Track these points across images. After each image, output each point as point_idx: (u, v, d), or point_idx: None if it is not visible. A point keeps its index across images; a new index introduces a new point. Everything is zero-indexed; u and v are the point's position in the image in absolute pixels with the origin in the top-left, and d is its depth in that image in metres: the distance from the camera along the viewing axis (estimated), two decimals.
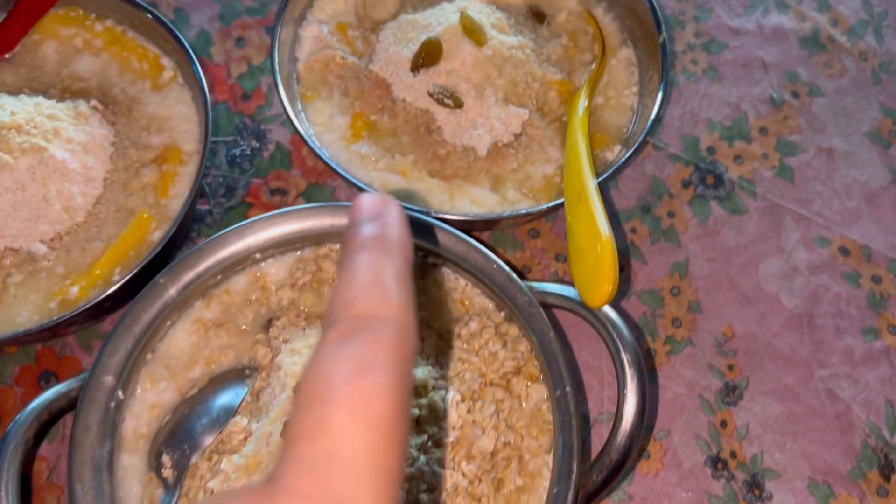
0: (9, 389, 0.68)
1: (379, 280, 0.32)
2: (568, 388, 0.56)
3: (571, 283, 0.60)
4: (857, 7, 0.86)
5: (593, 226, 0.58)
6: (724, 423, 0.68)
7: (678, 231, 0.75)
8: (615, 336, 0.56)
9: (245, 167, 0.77)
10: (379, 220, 0.35)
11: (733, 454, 0.67)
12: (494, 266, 0.60)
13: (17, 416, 0.54)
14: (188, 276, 0.60)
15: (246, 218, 0.74)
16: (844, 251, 0.75)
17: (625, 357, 0.56)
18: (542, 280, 0.72)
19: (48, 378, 0.68)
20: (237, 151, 0.78)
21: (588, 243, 0.58)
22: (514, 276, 0.60)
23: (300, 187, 0.77)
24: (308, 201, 0.76)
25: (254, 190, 0.76)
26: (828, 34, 0.85)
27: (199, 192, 0.67)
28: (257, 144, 0.78)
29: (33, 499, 0.65)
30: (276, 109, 0.80)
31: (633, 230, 0.75)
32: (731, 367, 0.70)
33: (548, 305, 0.60)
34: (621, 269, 0.73)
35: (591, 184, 0.61)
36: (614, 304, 0.59)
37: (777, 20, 0.85)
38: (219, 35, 0.83)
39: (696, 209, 0.76)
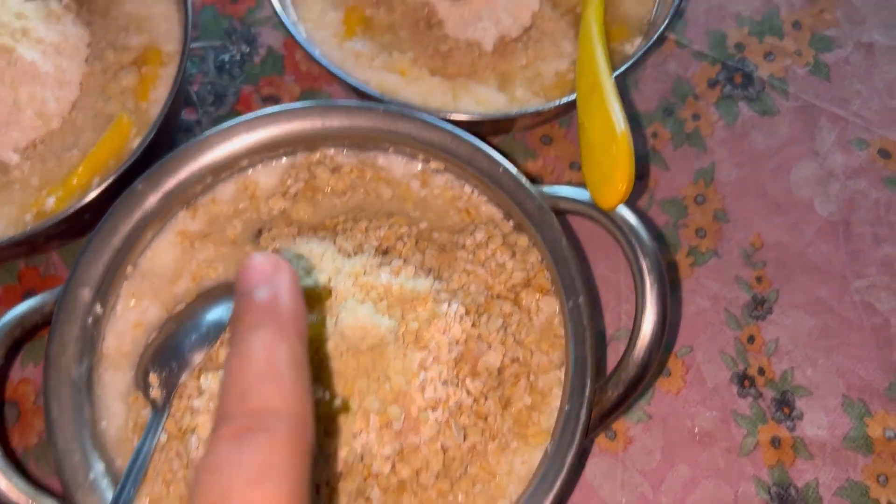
0: None
1: (273, 367, 0.30)
2: (581, 299, 0.52)
3: (585, 187, 0.55)
4: None
5: (607, 120, 0.52)
6: (751, 339, 0.63)
7: (703, 135, 0.69)
8: (632, 240, 0.51)
9: (235, 73, 0.72)
10: (270, 288, 0.33)
11: (761, 371, 0.62)
12: (501, 169, 0.55)
13: None
14: (169, 182, 0.56)
15: None
16: (884, 153, 0.69)
17: (643, 263, 0.51)
18: None
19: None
20: (226, 57, 0.72)
21: (601, 139, 0.52)
22: (524, 179, 0.55)
23: (294, 93, 0.71)
24: None
25: (244, 97, 0.71)
26: None
27: (182, 96, 0.63)
28: (247, 49, 0.73)
29: (20, 423, 0.61)
30: (266, 11, 0.74)
31: (655, 134, 0.69)
32: (759, 279, 0.65)
33: (560, 211, 0.55)
34: (640, 177, 0.68)
35: (606, 74, 0.55)
36: (631, 207, 0.53)
37: None
38: None
39: (723, 111, 0.70)
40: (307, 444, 0.30)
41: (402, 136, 0.57)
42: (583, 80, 0.57)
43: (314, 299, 0.51)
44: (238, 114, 0.70)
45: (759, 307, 0.64)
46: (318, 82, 0.72)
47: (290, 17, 0.64)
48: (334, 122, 0.58)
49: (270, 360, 0.31)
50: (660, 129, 0.70)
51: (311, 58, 0.61)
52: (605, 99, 0.53)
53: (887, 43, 0.72)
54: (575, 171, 0.68)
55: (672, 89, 0.71)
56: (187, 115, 0.70)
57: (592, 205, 0.53)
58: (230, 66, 0.72)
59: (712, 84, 0.71)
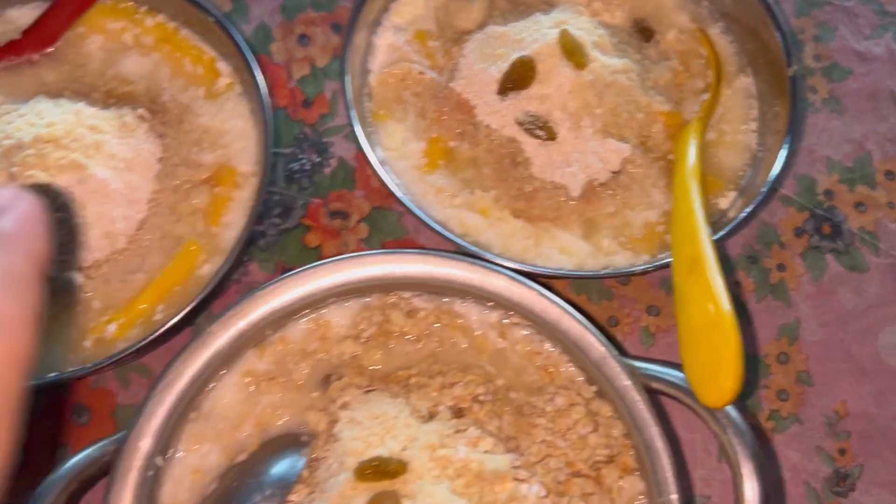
0: (37, 421, 0.61)
1: None
2: (674, 496, 0.48)
3: (676, 364, 0.52)
4: None
5: (713, 304, 0.49)
6: None
7: (788, 287, 0.66)
8: (735, 443, 0.48)
9: (304, 184, 0.69)
10: (6, 214, 0.35)
11: None
12: (591, 338, 0.52)
13: (39, 488, 0.48)
14: (241, 324, 0.53)
15: (303, 243, 0.67)
16: None
17: (745, 472, 0.47)
18: (630, 335, 0.64)
19: (80, 412, 0.62)
20: (296, 166, 0.70)
21: (704, 325, 0.49)
22: (615, 353, 0.52)
23: (363, 210, 0.69)
24: (371, 226, 0.68)
25: (312, 211, 0.68)
26: None
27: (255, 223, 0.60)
28: (318, 159, 0.70)
29: None
30: (340, 120, 0.71)
31: (737, 283, 0.66)
32: (842, 452, 0.62)
33: (652, 391, 0.52)
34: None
35: (709, 251, 0.52)
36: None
37: None
38: (280, 31, 0.75)
39: (809, 263, 0.67)
40: (15, 347, 0.32)
41: (487, 292, 0.54)
42: (680, 250, 0.54)
43: (387, 473, 0.48)
44: (305, 228, 0.68)
45: (842, 482, 0.61)
46: (388, 201, 0.69)
47: (369, 143, 0.61)
48: (415, 268, 0.55)
49: None
50: (743, 277, 0.67)
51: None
52: (710, 281, 0.50)
53: None
54: (652, 316, 0.65)
55: (757, 235, 0.68)
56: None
57: (691, 394, 0.49)
58: (299, 175, 0.69)
59: (799, 233, 0.68)
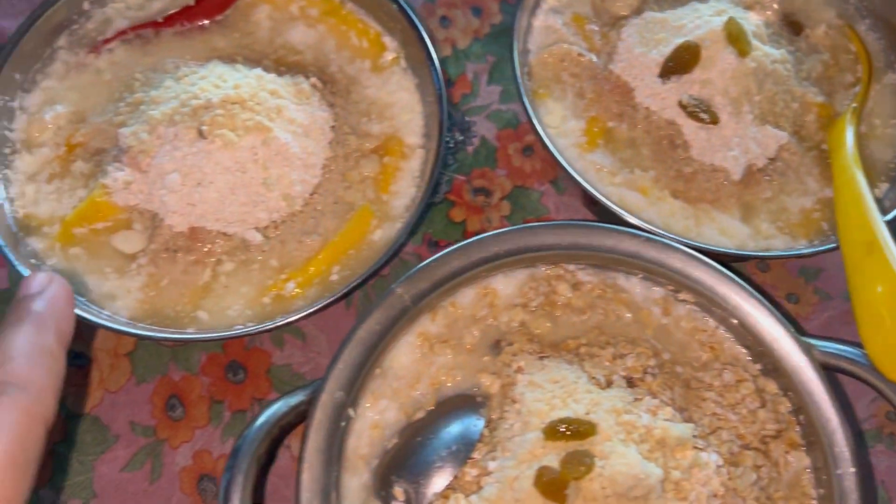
0: (194, 378, 0.64)
1: (28, 352, 0.38)
2: (853, 469, 0.50)
3: (852, 342, 0.53)
4: None
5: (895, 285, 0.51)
6: None
7: None
8: None
9: (448, 161, 0.71)
10: (41, 297, 0.41)
11: None
12: (767, 316, 0.54)
13: (246, 432, 0.49)
14: (424, 286, 0.55)
15: (448, 217, 0.69)
16: None
17: None
18: None
19: (236, 370, 0.64)
20: None
21: (888, 303, 0.51)
22: (793, 330, 0.53)
23: (505, 189, 0.70)
24: (513, 204, 0.70)
25: (457, 187, 0.70)
26: None
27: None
28: (461, 137, 0.72)
29: None
30: (481, 100, 0.74)
31: None
32: None
33: (827, 368, 0.53)
34: None
35: (886, 234, 0.53)
36: None
37: None
38: (423, 11, 0.77)
39: None
40: (40, 414, 0.37)
41: (665, 268, 0.56)
42: (851, 234, 0.55)
43: (578, 434, 0.49)
44: (450, 203, 0.70)
45: None
46: (529, 180, 0.71)
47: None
48: (589, 239, 0.57)
49: (27, 347, 0.38)
50: None
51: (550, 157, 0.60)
52: (892, 261, 0.51)
53: None
54: (792, 303, 0.67)
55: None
56: None
57: (872, 370, 0.51)
58: (444, 152, 0.71)
59: None
